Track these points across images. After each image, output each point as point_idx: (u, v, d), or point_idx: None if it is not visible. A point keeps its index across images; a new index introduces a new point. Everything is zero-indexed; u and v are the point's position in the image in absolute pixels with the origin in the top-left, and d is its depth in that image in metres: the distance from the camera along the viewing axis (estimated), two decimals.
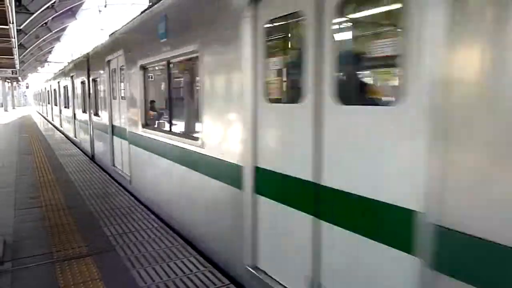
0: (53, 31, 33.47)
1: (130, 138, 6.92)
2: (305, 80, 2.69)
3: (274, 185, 3.13)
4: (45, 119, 29.83)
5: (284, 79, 3.32)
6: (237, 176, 3.48)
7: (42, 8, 22.33)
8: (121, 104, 7.62)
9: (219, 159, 3.85)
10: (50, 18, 27.70)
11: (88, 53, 11.28)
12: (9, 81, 50.95)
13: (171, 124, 5.44)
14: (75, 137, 14.59)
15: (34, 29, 27.07)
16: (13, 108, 57.15)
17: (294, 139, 2.86)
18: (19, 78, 48.90)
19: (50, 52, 51.19)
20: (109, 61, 8.37)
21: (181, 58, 5.01)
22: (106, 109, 8.75)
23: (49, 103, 26.98)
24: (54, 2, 24.09)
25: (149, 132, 5.98)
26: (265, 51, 3.15)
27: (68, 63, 16.61)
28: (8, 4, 10.93)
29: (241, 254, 3.51)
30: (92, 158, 11.11)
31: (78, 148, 13.18)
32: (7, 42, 18.16)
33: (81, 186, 7.45)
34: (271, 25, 3.14)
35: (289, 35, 3.46)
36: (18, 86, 68.59)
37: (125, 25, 7.38)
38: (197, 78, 4.55)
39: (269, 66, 3.17)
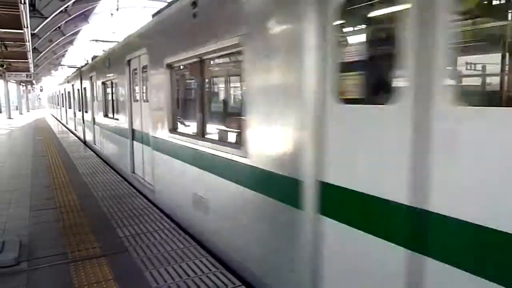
0: (66, 35, 33.99)
1: None
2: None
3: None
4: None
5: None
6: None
7: (56, 12, 22.68)
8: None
9: None
10: (63, 22, 28.15)
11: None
12: (23, 84, 51.86)
13: None
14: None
15: (48, 33, 27.54)
16: (28, 111, 58.13)
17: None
18: (33, 81, 49.70)
19: (63, 55, 51.96)
20: None
21: None
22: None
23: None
24: (67, 6, 24.45)
25: None
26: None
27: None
28: (23, 9, 11.14)
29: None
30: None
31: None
32: (22, 46, 18.49)
33: (95, 187, 7.54)
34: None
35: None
36: (32, 89, 69.73)
37: None
38: None
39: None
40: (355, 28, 2.84)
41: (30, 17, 13.59)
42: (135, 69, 7.59)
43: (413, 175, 2.04)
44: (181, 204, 5.45)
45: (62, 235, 4.92)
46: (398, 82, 2.14)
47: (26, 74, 33.35)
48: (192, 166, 4.97)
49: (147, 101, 6.86)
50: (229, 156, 3.96)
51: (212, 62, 5.19)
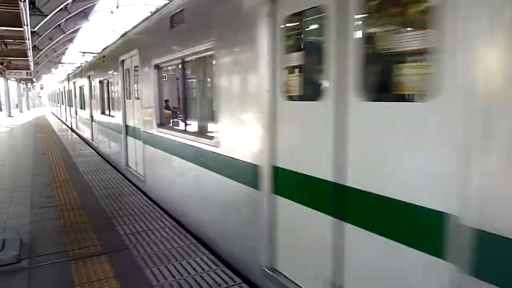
0: (66, 33, 33.92)
1: None
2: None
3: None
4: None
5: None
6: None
7: (56, 10, 22.63)
8: None
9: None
10: (64, 20, 28.09)
11: None
12: (23, 82, 51.82)
13: None
14: None
15: (48, 31, 27.47)
16: (28, 109, 58.10)
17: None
18: (34, 79, 49.65)
19: (63, 53, 51.88)
20: None
21: None
22: None
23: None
24: (67, 4, 24.41)
25: None
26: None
27: None
28: (23, 7, 11.13)
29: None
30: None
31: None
32: (21, 44, 18.47)
33: (95, 186, 7.55)
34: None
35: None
36: (32, 87, 69.70)
37: None
38: None
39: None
40: None
41: (30, 15, 13.58)
42: (91, 82, 13.32)
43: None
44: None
45: (62, 233, 4.93)
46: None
47: (26, 72, 33.32)
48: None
49: (95, 99, 12.94)
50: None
51: (110, 84, 10.32)
